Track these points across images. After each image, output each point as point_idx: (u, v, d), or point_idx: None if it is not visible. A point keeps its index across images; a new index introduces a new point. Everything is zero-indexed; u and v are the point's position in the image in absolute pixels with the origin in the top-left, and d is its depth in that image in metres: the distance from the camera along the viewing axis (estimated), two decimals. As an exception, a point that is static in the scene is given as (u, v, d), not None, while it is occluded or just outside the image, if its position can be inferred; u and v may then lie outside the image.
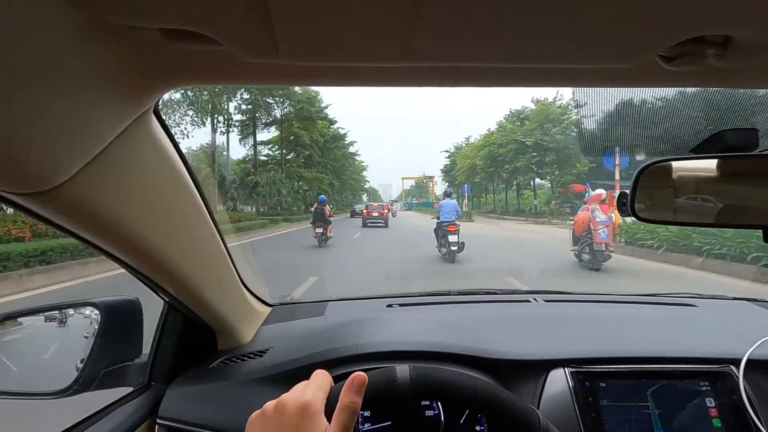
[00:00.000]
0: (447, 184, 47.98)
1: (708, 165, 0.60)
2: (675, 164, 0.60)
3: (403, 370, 0.56)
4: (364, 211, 21.00)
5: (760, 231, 0.57)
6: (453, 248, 7.91)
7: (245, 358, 0.92)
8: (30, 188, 0.41)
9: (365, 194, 66.84)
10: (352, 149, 41.18)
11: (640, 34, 0.35)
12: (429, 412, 0.81)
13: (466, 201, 35.01)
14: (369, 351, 0.85)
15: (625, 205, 0.70)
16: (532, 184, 34.21)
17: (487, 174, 35.97)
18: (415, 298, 1.25)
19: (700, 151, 0.59)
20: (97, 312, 0.82)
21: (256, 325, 1.04)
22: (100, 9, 0.32)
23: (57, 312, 0.86)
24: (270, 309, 1.14)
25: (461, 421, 0.80)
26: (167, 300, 0.82)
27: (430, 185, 64.98)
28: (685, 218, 0.62)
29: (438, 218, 8.67)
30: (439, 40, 0.36)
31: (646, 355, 0.82)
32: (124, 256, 0.60)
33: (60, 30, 0.32)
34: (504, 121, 33.86)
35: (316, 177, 31.63)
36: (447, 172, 49.36)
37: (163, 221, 0.61)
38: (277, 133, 30.07)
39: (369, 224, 19.55)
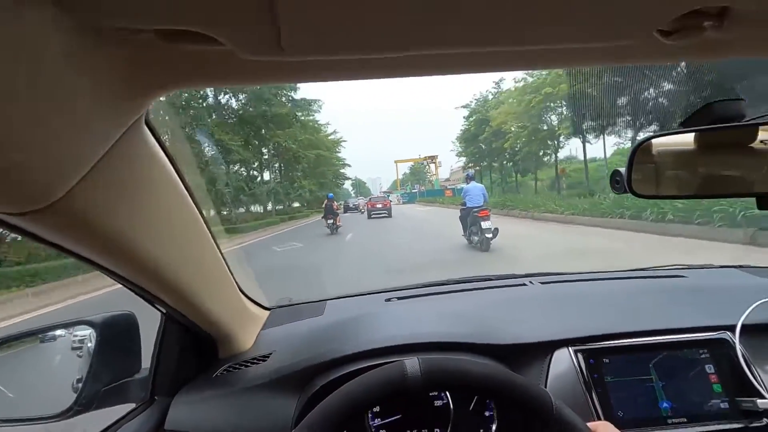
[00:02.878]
0: (465, 159, 33.14)
1: (700, 137, 0.61)
2: (669, 139, 0.61)
3: (412, 363, 0.56)
4: (369, 203, 23.12)
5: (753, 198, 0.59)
6: (487, 235, 7.35)
7: (248, 364, 0.90)
8: (25, 207, 0.39)
9: (350, 183, 51.85)
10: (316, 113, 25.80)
11: (640, 10, 0.35)
12: (438, 402, 0.81)
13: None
14: (372, 347, 0.84)
15: (618, 183, 0.71)
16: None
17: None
18: (412, 290, 1.25)
19: (690, 124, 0.60)
20: (88, 331, 0.80)
21: (255, 330, 1.02)
22: (93, 11, 0.30)
23: (50, 333, 0.83)
24: (268, 312, 1.12)
25: (470, 408, 0.81)
26: (164, 312, 0.80)
27: (432, 168, 49.72)
28: (681, 191, 0.63)
29: (464, 205, 8.18)
30: (438, 26, 0.35)
31: (645, 328, 0.84)
32: (122, 269, 0.58)
33: (49, 37, 0.30)
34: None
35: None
36: (468, 140, 30.88)
37: (160, 231, 0.59)
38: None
39: (374, 216, 20.64)
